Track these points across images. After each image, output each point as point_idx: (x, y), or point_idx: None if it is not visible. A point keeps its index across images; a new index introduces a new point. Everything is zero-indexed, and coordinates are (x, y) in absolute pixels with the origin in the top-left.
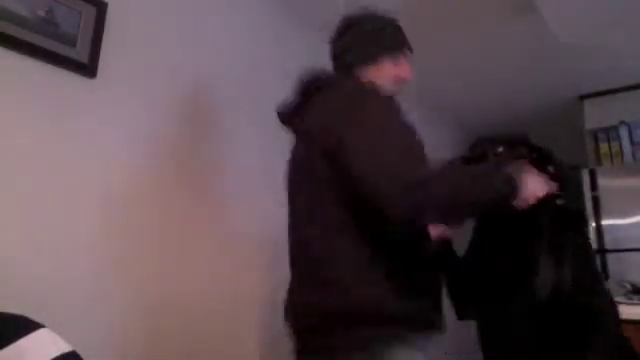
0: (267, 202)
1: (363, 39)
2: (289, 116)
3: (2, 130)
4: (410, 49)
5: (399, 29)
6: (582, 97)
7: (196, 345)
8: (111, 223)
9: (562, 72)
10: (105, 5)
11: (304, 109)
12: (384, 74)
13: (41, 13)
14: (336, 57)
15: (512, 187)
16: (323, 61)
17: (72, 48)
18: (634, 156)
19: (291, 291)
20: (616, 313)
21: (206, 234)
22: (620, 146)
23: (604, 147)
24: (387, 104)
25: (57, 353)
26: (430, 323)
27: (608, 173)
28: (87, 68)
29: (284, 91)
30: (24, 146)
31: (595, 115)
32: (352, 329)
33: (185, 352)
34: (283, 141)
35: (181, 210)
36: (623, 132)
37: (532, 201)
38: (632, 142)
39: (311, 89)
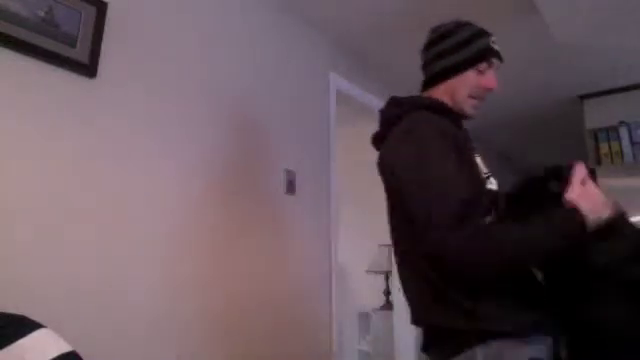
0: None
1: (447, 51)
2: (376, 145)
3: (3, 130)
4: (499, 58)
5: (487, 39)
6: (582, 97)
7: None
8: (112, 224)
9: (562, 72)
10: (105, 5)
11: (384, 141)
12: (466, 84)
13: (41, 13)
14: (424, 66)
15: (575, 229)
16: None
17: (72, 48)
18: (634, 156)
19: None
20: None
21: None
22: (620, 146)
23: (604, 147)
24: (429, 142)
25: (57, 353)
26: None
27: (608, 173)
28: (87, 68)
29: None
30: (24, 145)
31: (595, 115)
32: None
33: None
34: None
35: (178, 209)
36: (623, 132)
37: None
38: (632, 142)
39: (392, 119)
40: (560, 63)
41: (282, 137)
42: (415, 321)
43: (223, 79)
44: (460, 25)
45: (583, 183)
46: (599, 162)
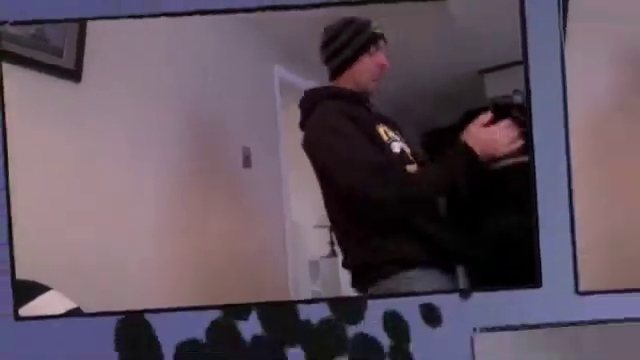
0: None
1: (340, 48)
2: (302, 129)
3: (9, 139)
4: (384, 40)
5: (369, 28)
6: (482, 71)
7: None
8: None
9: (462, 50)
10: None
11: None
12: (366, 69)
13: (32, 30)
14: (325, 62)
15: (461, 168)
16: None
17: (59, 58)
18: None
19: None
20: None
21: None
22: None
23: None
24: (340, 125)
25: (64, 309)
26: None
27: None
28: (73, 74)
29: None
30: (29, 152)
31: (494, 86)
32: None
33: None
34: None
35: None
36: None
37: (499, 153)
38: None
39: (308, 109)
40: (464, 45)
41: (238, 128)
42: (343, 264)
43: (218, 81)
44: (346, 23)
45: (486, 125)
46: None
